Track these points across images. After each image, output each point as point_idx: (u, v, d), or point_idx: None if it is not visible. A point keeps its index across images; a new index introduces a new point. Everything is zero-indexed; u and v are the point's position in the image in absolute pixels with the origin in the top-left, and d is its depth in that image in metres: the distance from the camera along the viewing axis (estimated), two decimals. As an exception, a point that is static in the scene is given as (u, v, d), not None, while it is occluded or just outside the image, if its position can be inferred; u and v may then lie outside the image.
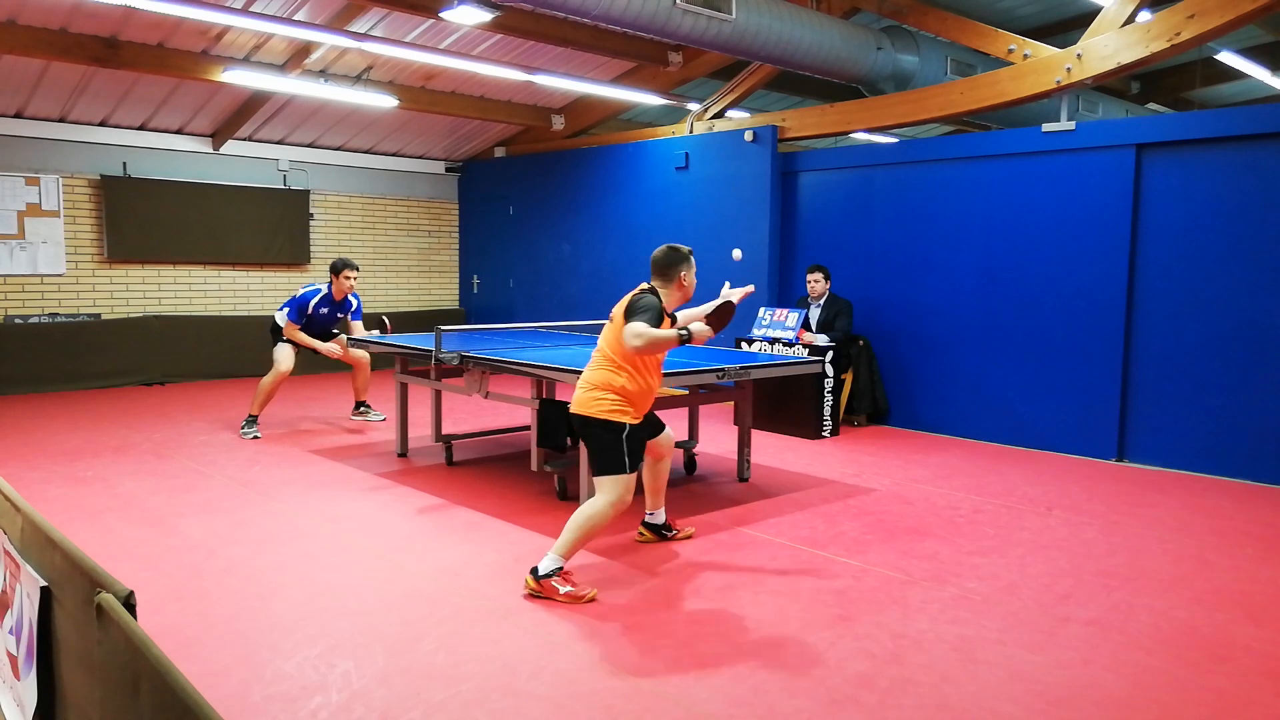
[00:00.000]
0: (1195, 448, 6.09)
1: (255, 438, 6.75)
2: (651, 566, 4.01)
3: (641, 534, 4.42)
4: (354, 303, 7.18)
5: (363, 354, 7.19)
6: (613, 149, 10.02)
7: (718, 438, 6.93)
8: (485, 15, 6.33)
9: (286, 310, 6.96)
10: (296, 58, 8.05)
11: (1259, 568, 4.15)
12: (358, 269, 7.10)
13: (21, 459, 5.89)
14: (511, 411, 7.77)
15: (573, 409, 3.81)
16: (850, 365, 7.51)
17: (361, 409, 7.55)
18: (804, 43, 6.94)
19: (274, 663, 3.01)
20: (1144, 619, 3.52)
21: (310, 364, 10.21)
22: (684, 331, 3.66)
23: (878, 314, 7.76)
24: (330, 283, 6.99)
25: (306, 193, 10.52)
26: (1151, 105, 11.08)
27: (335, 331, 7.19)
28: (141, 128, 9.38)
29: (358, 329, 7.14)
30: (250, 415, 6.88)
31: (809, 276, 7.63)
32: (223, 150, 9.90)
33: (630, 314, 3.63)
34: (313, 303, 6.92)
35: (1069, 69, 6.49)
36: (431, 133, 10.75)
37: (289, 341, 6.93)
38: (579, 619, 3.41)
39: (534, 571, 3.63)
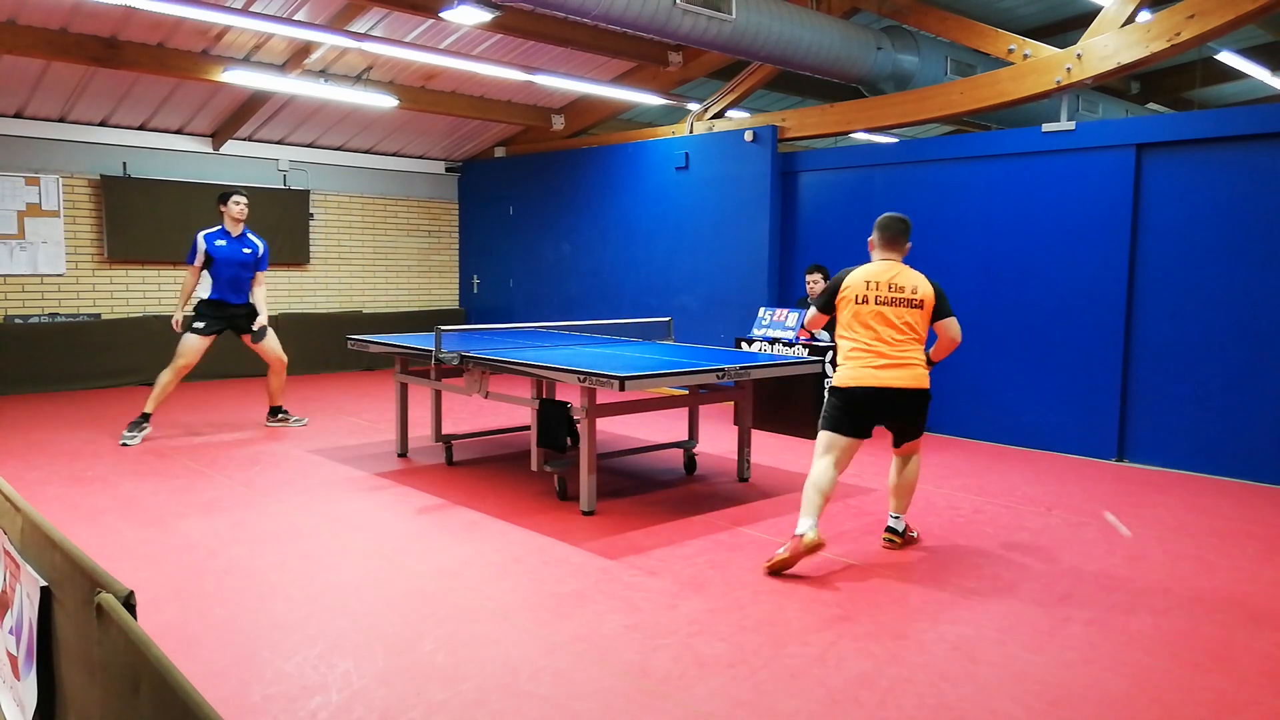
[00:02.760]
0: (1195, 448, 6.09)
1: (126, 445, 6.31)
2: (651, 567, 4.01)
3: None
4: (259, 246, 6.90)
5: (276, 351, 6.94)
6: (613, 149, 10.02)
7: (718, 438, 6.94)
8: (485, 15, 6.33)
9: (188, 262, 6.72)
10: (296, 58, 8.05)
11: (1259, 568, 4.15)
12: (247, 197, 6.88)
13: (22, 459, 5.90)
14: (511, 411, 7.77)
15: (907, 384, 4.15)
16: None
17: (280, 415, 7.18)
18: (804, 43, 6.94)
19: (274, 663, 3.01)
20: (1144, 619, 3.52)
21: (311, 363, 10.24)
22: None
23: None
24: (221, 217, 6.79)
25: (306, 193, 10.52)
26: (1151, 105, 11.08)
27: (256, 326, 6.85)
28: (141, 128, 9.38)
29: (261, 281, 6.92)
30: (143, 413, 6.53)
31: (808, 277, 7.63)
32: (223, 150, 9.90)
33: (947, 309, 4.25)
34: (202, 235, 6.66)
35: (1069, 69, 6.49)
36: (431, 133, 10.75)
37: (197, 332, 6.65)
38: (579, 619, 3.41)
39: (897, 531, 4.33)
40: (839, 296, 4.25)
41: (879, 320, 4.16)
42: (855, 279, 4.25)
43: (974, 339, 7.14)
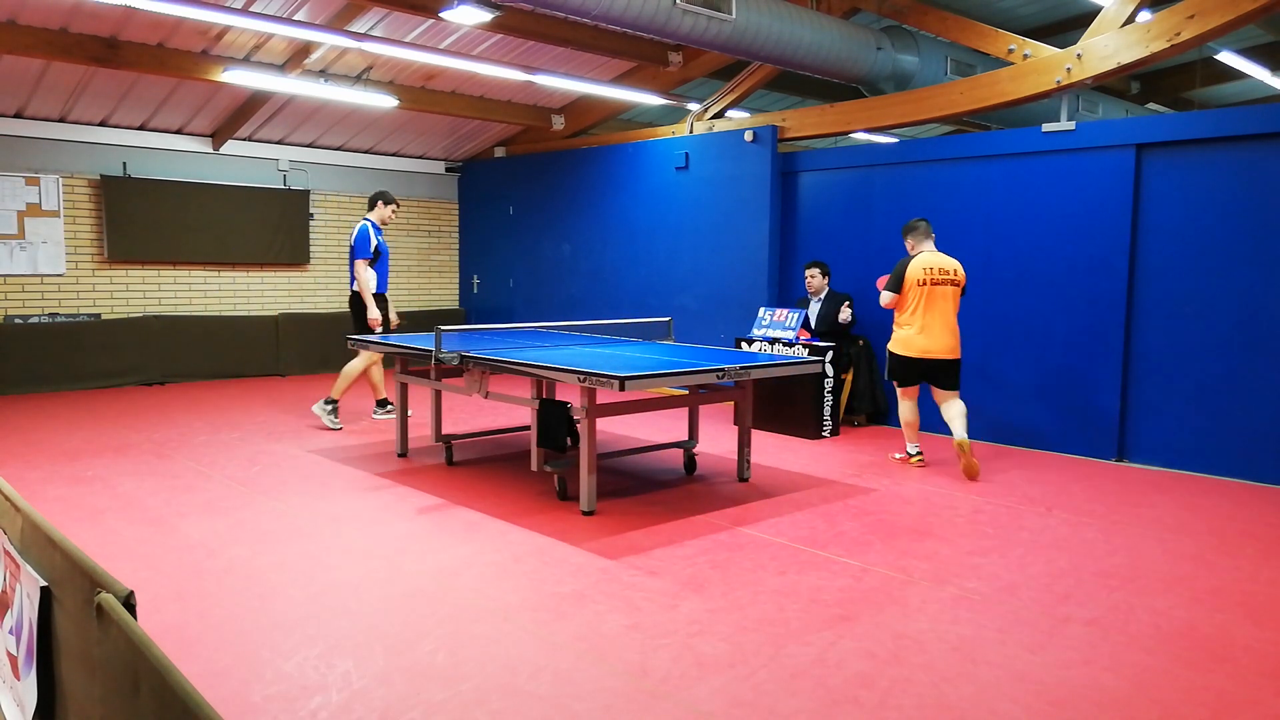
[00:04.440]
0: (1195, 448, 6.09)
1: (390, 415, 7.24)
2: (652, 567, 4.01)
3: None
4: None
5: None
6: (613, 149, 10.02)
7: (718, 438, 6.94)
8: (485, 15, 6.33)
9: (359, 257, 6.93)
10: (296, 58, 8.05)
11: (1259, 568, 4.15)
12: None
13: (22, 459, 5.90)
14: (511, 411, 7.77)
15: (947, 355, 5.77)
16: (850, 365, 7.51)
17: (388, 407, 7.55)
18: (804, 43, 6.94)
19: (274, 663, 3.01)
20: (1144, 619, 3.52)
21: (311, 363, 10.24)
22: None
23: (878, 314, 7.75)
24: (374, 214, 7.22)
25: (306, 193, 10.52)
26: (1151, 105, 11.08)
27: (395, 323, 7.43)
28: (141, 128, 9.38)
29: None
30: (378, 400, 7.41)
31: (806, 272, 7.63)
32: (223, 150, 9.90)
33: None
34: (371, 228, 7.02)
35: (1069, 69, 6.49)
36: (431, 133, 10.75)
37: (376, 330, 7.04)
38: (579, 619, 3.41)
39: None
40: (905, 280, 5.73)
41: (930, 298, 5.66)
42: (915, 266, 5.73)
43: (974, 339, 7.15)
